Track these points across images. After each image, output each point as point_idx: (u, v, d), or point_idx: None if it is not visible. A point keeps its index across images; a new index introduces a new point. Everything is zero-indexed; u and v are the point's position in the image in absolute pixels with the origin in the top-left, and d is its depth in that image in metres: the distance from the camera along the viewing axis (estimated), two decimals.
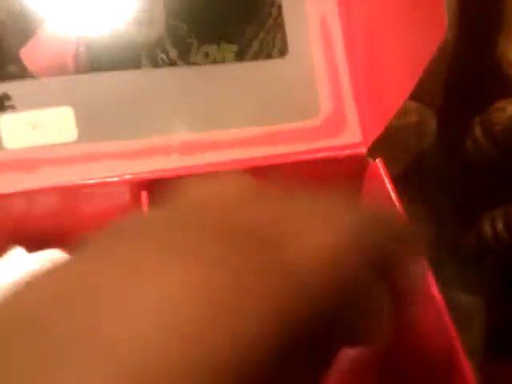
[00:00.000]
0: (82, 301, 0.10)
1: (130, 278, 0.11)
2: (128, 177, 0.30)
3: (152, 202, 0.30)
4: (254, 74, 0.34)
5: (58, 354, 0.09)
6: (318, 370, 0.13)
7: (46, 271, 0.11)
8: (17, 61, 0.34)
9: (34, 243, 0.30)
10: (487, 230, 0.40)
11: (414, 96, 0.29)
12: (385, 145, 0.33)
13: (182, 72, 0.35)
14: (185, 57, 0.35)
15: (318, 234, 0.13)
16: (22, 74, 0.32)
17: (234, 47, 0.36)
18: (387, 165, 0.32)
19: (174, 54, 0.35)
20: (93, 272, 0.11)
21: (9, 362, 0.09)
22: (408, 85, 0.28)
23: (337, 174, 0.33)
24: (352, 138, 0.33)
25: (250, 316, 0.10)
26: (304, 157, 0.32)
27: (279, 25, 0.35)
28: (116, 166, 0.30)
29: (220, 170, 0.31)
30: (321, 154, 0.32)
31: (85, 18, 0.34)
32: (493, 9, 0.42)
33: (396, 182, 0.31)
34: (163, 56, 0.35)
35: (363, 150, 0.32)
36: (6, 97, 0.30)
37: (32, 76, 0.32)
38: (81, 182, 0.30)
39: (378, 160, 0.32)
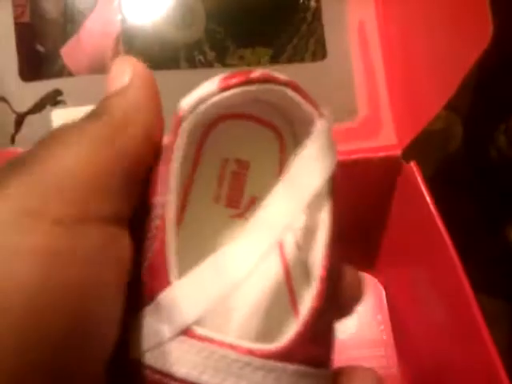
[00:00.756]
0: None
1: None
2: None
3: None
4: (292, 77, 0.34)
5: None
6: None
7: None
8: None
9: None
10: None
11: None
12: (413, 149, 0.34)
13: (219, 73, 0.36)
14: (221, 59, 0.36)
15: None
16: (69, 71, 0.33)
17: (269, 51, 0.37)
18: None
19: (211, 55, 0.36)
20: None
21: None
22: (447, 90, 0.28)
23: (371, 175, 0.34)
24: (387, 140, 0.33)
25: None
26: (339, 157, 0.33)
27: (313, 30, 0.36)
28: None
29: None
30: (356, 156, 0.33)
31: (125, 17, 0.35)
32: None
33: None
34: (201, 57, 0.36)
35: (398, 153, 0.33)
36: (58, 92, 0.31)
37: (71, 73, 0.33)
38: None
39: (412, 162, 0.32)
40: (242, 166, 0.19)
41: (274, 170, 0.19)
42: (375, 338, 0.37)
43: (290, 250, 0.19)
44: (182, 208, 0.18)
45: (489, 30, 0.23)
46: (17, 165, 0.14)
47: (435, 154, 0.44)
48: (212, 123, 0.18)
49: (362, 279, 0.19)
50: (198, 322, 0.15)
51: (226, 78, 0.16)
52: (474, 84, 0.45)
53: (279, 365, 0.15)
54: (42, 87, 0.31)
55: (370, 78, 0.34)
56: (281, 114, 0.18)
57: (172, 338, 0.15)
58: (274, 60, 0.36)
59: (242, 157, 0.19)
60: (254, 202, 0.19)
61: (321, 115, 0.17)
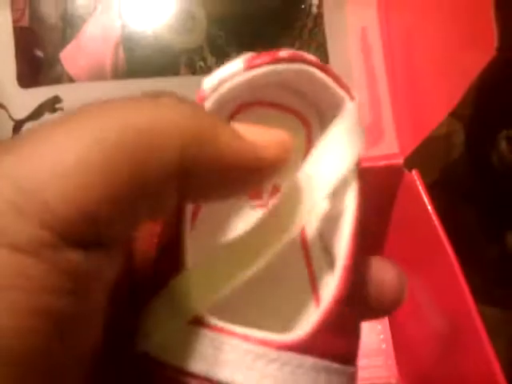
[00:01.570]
0: None
1: None
2: None
3: None
4: None
5: None
6: None
7: None
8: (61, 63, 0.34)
9: None
10: None
11: None
12: (414, 155, 0.34)
13: None
14: (222, 64, 0.36)
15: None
16: (69, 76, 0.33)
17: None
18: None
19: (211, 61, 0.36)
20: None
21: None
22: (451, 99, 0.28)
23: (372, 184, 0.34)
24: (389, 148, 0.33)
25: None
26: None
27: (314, 36, 0.36)
28: None
29: None
30: None
31: (125, 22, 0.35)
32: None
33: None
34: (201, 63, 0.36)
35: (400, 161, 0.33)
36: (57, 99, 0.30)
37: (70, 79, 0.33)
38: None
39: (414, 171, 0.32)
40: None
41: (298, 159, 0.18)
42: (374, 348, 0.37)
43: (312, 236, 0.18)
44: None
45: (494, 38, 0.23)
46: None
47: (436, 161, 0.44)
48: (236, 110, 0.17)
49: (404, 279, 0.17)
50: (210, 311, 0.14)
51: (252, 58, 0.15)
52: (475, 90, 0.45)
53: (296, 357, 0.14)
54: (40, 94, 0.31)
55: (372, 86, 0.33)
56: (308, 100, 0.17)
57: (182, 328, 0.14)
58: None
59: None
60: (276, 191, 0.18)
61: (351, 98, 0.16)
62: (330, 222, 0.17)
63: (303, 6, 0.36)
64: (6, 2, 0.32)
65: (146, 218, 0.13)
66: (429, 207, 0.31)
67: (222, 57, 0.36)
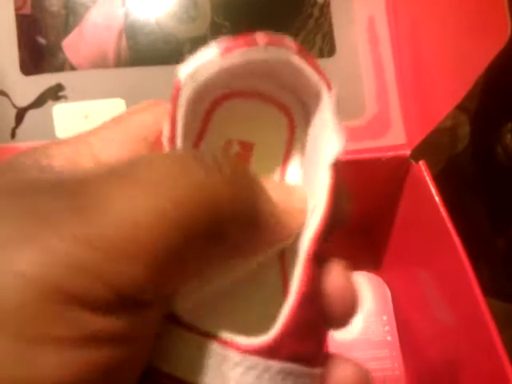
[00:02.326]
0: None
1: None
2: None
3: None
4: None
5: None
6: None
7: None
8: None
9: None
10: None
11: None
12: (420, 147, 0.33)
13: None
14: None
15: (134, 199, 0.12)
16: (71, 64, 0.33)
17: None
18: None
19: None
20: None
21: None
22: (460, 89, 0.28)
23: (379, 175, 0.34)
24: (396, 139, 0.33)
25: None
26: (347, 157, 0.32)
27: (320, 25, 0.35)
28: None
29: None
30: (364, 155, 0.32)
31: (129, 10, 0.34)
32: None
33: None
34: None
35: (407, 152, 0.32)
36: (60, 87, 0.30)
37: (73, 67, 0.33)
38: None
39: (421, 162, 0.32)
40: (246, 147, 0.18)
41: (279, 151, 0.18)
42: (380, 340, 0.36)
43: None
44: None
45: (507, 27, 0.23)
46: (75, 202, 0.11)
47: (442, 153, 0.43)
48: (216, 101, 0.17)
49: (356, 290, 0.16)
50: (185, 310, 0.14)
51: (227, 43, 0.14)
52: (481, 82, 0.44)
53: (261, 361, 0.13)
54: (43, 81, 0.31)
55: (379, 76, 0.33)
56: (288, 88, 0.17)
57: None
58: None
59: (246, 138, 0.18)
60: None
61: (329, 89, 0.15)
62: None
63: None
64: None
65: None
66: (436, 199, 0.30)
67: None
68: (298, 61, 0.15)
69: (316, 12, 0.36)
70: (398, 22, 0.33)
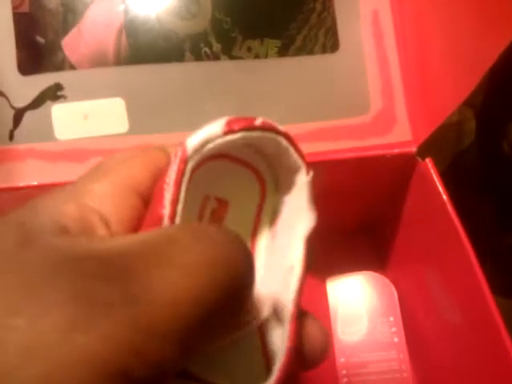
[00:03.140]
0: None
1: None
2: None
3: None
4: (302, 69, 0.33)
5: None
6: None
7: None
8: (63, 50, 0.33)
9: None
10: None
11: None
12: (425, 143, 0.33)
13: (225, 67, 0.34)
14: (228, 51, 0.35)
15: (175, 277, 0.13)
16: (70, 63, 0.32)
17: (278, 42, 0.35)
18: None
19: (217, 47, 0.35)
20: None
21: None
22: (467, 85, 0.27)
23: (385, 173, 0.33)
24: (401, 136, 0.32)
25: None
26: (352, 154, 0.32)
27: (323, 20, 0.35)
28: None
29: None
30: (369, 152, 0.32)
31: (128, 7, 0.33)
32: None
33: None
34: (206, 49, 0.35)
35: (413, 149, 0.32)
36: (58, 86, 0.29)
37: (72, 66, 0.32)
38: None
39: (427, 159, 0.31)
40: (222, 204, 0.20)
41: (251, 211, 0.20)
42: (387, 341, 0.36)
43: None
44: None
45: None
46: (116, 278, 0.12)
47: (448, 149, 0.43)
48: (203, 162, 0.19)
49: (325, 333, 0.19)
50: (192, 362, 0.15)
51: (229, 123, 0.17)
52: (487, 77, 0.43)
53: None
54: (41, 81, 0.30)
55: (384, 71, 0.32)
56: (266, 161, 0.20)
57: None
58: (283, 51, 0.35)
59: (222, 195, 0.20)
60: None
61: (307, 171, 0.18)
62: (277, 275, 0.19)
63: None
64: None
65: None
66: (444, 197, 0.30)
67: (227, 43, 0.34)
68: (284, 142, 0.18)
69: (319, 6, 0.35)
70: (403, 15, 0.33)
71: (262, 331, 0.19)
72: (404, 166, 0.32)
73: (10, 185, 0.28)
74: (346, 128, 0.32)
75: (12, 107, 0.30)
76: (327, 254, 0.32)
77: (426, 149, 0.32)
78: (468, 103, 0.44)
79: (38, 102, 0.29)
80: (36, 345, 0.10)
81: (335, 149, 0.31)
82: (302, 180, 0.18)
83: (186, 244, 0.13)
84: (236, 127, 0.17)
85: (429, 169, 0.31)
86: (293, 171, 0.19)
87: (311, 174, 0.18)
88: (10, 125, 0.29)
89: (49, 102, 0.30)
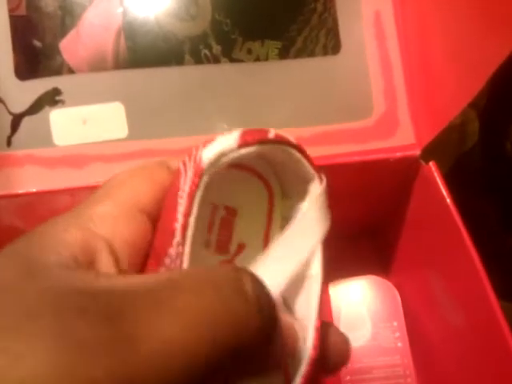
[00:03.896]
0: None
1: None
2: None
3: None
4: (303, 72, 0.33)
5: None
6: None
7: None
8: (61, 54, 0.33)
9: None
10: None
11: None
12: (429, 146, 0.32)
13: (225, 71, 0.34)
14: (228, 53, 0.34)
15: (173, 322, 0.12)
16: (68, 67, 0.32)
17: (278, 44, 0.35)
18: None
19: (217, 49, 0.35)
20: None
21: None
22: (471, 87, 0.27)
23: (388, 176, 0.33)
24: (405, 139, 0.32)
25: None
26: (355, 158, 0.31)
27: (324, 21, 0.34)
28: None
29: None
30: (372, 156, 0.31)
31: (126, 9, 0.33)
32: None
33: None
34: (206, 52, 0.34)
35: (416, 153, 0.31)
36: (56, 91, 0.29)
37: (70, 70, 0.32)
38: None
39: (431, 163, 0.31)
40: (231, 212, 0.20)
41: (262, 219, 0.20)
42: (391, 346, 0.35)
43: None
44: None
45: None
46: (115, 322, 0.12)
47: (450, 151, 0.42)
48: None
49: (347, 340, 0.19)
50: None
51: (244, 135, 0.17)
52: (489, 78, 0.43)
53: None
54: (39, 86, 0.30)
55: (386, 74, 0.32)
56: (273, 168, 0.20)
57: None
58: (284, 53, 0.34)
59: (231, 203, 0.20)
60: (242, 248, 0.20)
61: (320, 180, 0.19)
62: (296, 287, 0.19)
63: None
64: None
65: None
66: (448, 200, 0.29)
67: (227, 45, 0.34)
68: (297, 154, 0.18)
69: (320, 7, 0.35)
70: (405, 16, 0.32)
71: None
72: (407, 169, 0.32)
73: (9, 191, 0.28)
74: (349, 131, 0.31)
75: (9, 113, 0.29)
76: (330, 257, 0.32)
77: (429, 152, 0.32)
78: (471, 104, 0.43)
79: (35, 108, 0.29)
80: None
81: (338, 153, 0.31)
82: (316, 189, 0.18)
83: (188, 291, 0.13)
84: (250, 140, 0.17)
85: (432, 172, 0.30)
86: (306, 181, 0.19)
87: (324, 182, 0.18)
88: (8, 131, 0.29)
89: (47, 108, 0.29)
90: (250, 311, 0.13)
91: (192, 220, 0.16)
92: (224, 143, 0.17)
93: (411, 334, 0.36)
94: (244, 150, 0.16)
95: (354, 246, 0.39)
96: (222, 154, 0.16)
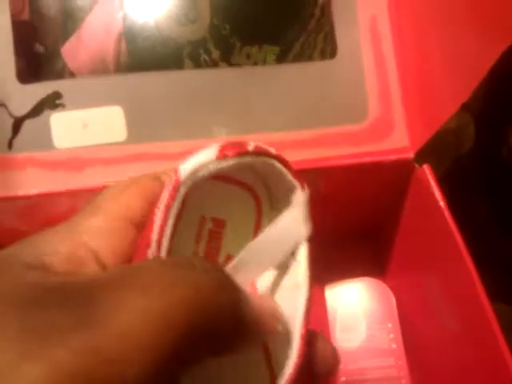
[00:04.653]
0: None
1: None
2: None
3: None
4: (301, 76, 0.33)
5: None
6: None
7: None
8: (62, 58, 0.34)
9: None
10: None
11: None
12: (424, 150, 0.33)
13: (224, 75, 0.34)
14: (227, 57, 0.35)
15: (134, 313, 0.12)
16: (70, 71, 0.32)
17: (276, 49, 0.35)
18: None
19: (216, 54, 0.35)
20: None
21: None
22: (464, 90, 0.27)
23: (382, 179, 0.33)
24: (399, 142, 0.32)
25: None
26: (349, 161, 0.32)
27: (321, 26, 0.35)
28: (162, 167, 0.30)
29: None
30: (366, 159, 0.32)
31: (127, 14, 0.34)
32: None
33: None
34: (205, 56, 0.35)
35: (410, 156, 0.32)
36: (57, 95, 0.30)
37: (72, 74, 0.32)
38: None
39: (425, 166, 0.31)
40: (218, 224, 0.20)
41: (249, 230, 0.20)
42: (385, 348, 0.36)
43: None
44: None
45: None
46: (78, 304, 0.12)
47: (446, 155, 0.43)
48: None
49: (335, 350, 0.20)
50: None
51: (223, 148, 0.17)
52: (485, 82, 0.43)
53: None
54: (40, 89, 0.30)
55: (381, 77, 0.32)
56: (261, 179, 0.20)
57: None
58: (281, 57, 0.35)
59: (218, 215, 0.20)
60: (230, 259, 0.20)
61: (303, 188, 0.19)
62: (282, 295, 0.19)
63: None
64: None
65: None
66: (441, 203, 0.30)
67: (226, 49, 0.35)
68: (278, 164, 0.18)
69: (317, 12, 0.35)
70: (401, 21, 0.33)
71: (265, 344, 0.19)
72: (401, 172, 0.32)
73: (9, 194, 0.29)
74: (344, 134, 0.32)
75: (11, 116, 0.30)
76: (325, 260, 0.32)
77: (423, 155, 0.32)
78: (467, 108, 0.44)
79: (36, 111, 0.29)
80: None
81: (333, 155, 0.32)
82: (299, 198, 0.19)
83: (152, 269, 0.13)
84: (229, 153, 0.17)
85: (426, 175, 0.31)
86: (288, 190, 0.19)
87: (307, 191, 0.19)
88: (9, 133, 0.29)
89: (47, 111, 0.30)
90: (214, 283, 0.14)
91: (168, 231, 0.16)
92: (202, 156, 0.17)
93: (406, 336, 0.36)
94: (223, 163, 0.17)
95: (348, 248, 0.39)
96: (201, 167, 0.17)
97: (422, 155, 0.32)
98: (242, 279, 0.16)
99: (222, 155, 0.17)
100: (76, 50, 0.34)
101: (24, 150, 0.29)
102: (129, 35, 0.34)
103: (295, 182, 0.19)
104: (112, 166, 0.30)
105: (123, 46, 0.34)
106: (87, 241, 0.16)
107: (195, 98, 0.33)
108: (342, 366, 0.35)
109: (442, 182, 0.37)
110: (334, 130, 0.32)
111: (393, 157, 0.32)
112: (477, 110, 0.44)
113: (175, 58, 0.34)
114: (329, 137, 0.32)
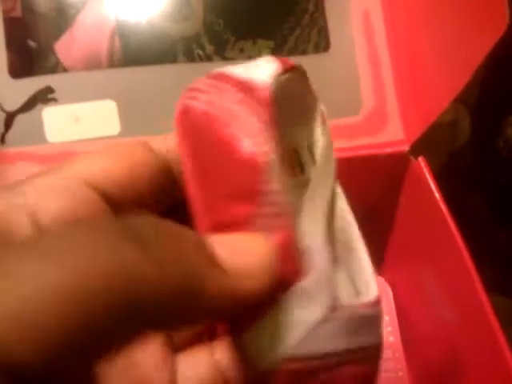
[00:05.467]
0: None
1: None
2: None
3: None
4: None
5: None
6: None
7: None
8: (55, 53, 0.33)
9: None
10: None
11: None
12: (419, 143, 0.33)
13: (218, 67, 0.34)
14: (220, 52, 0.35)
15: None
16: (63, 67, 0.32)
17: (270, 43, 0.35)
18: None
19: (210, 49, 0.35)
20: None
21: None
22: (458, 82, 0.27)
23: (377, 172, 0.33)
24: (394, 135, 0.32)
25: None
26: (344, 154, 0.32)
27: (315, 20, 0.35)
28: None
29: None
30: (361, 152, 0.32)
31: (120, 10, 0.33)
32: None
33: None
34: (199, 51, 0.35)
35: (405, 148, 0.32)
36: (49, 89, 0.29)
37: (65, 69, 0.32)
38: None
39: (420, 158, 0.31)
40: None
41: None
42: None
43: None
44: None
45: (505, 16, 0.22)
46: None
47: (442, 148, 0.43)
48: None
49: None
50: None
51: (280, 60, 0.15)
52: (480, 75, 0.43)
53: None
54: (32, 84, 0.30)
55: (375, 70, 0.32)
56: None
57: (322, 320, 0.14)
58: (276, 52, 0.35)
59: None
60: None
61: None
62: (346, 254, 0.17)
63: None
64: None
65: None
66: (437, 195, 0.30)
67: (220, 44, 0.34)
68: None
69: (311, 7, 0.35)
70: (394, 15, 0.33)
71: None
72: (396, 165, 0.32)
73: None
74: (338, 127, 0.32)
75: (3, 110, 0.30)
76: None
77: (419, 148, 0.32)
78: (463, 101, 0.44)
79: (29, 105, 0.29)
80: None
81: None
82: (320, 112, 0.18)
83: (66, 235, 0.11)
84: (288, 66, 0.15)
85: (421, 168, 0.31)
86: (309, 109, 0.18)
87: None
88: (1, 128, 0.29)
89: (40, 105, 0.30)
90: (133, 255, 0.11)
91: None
92: (269, 66, 0.15)
93: (402, 329, 0.36)
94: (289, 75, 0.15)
95: None
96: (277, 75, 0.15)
97: (418, 149, 0.32)
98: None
99: (284, 68, 0.15)
100: (69, 47, 0.33)
101: (17, 145, 0.29)
102: (122, 32, 0.34)
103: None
104: None
105: (117, 43, 0.34)
106: (25, 200, 0.13)
107: None
108: None
109: (438, 175, 0.37)
110: (328, 123, 0.32)
111: (388, 150, 0.32)
112: (472, 103, 0.44)
113: (169, 53, 0.34)
114: None
